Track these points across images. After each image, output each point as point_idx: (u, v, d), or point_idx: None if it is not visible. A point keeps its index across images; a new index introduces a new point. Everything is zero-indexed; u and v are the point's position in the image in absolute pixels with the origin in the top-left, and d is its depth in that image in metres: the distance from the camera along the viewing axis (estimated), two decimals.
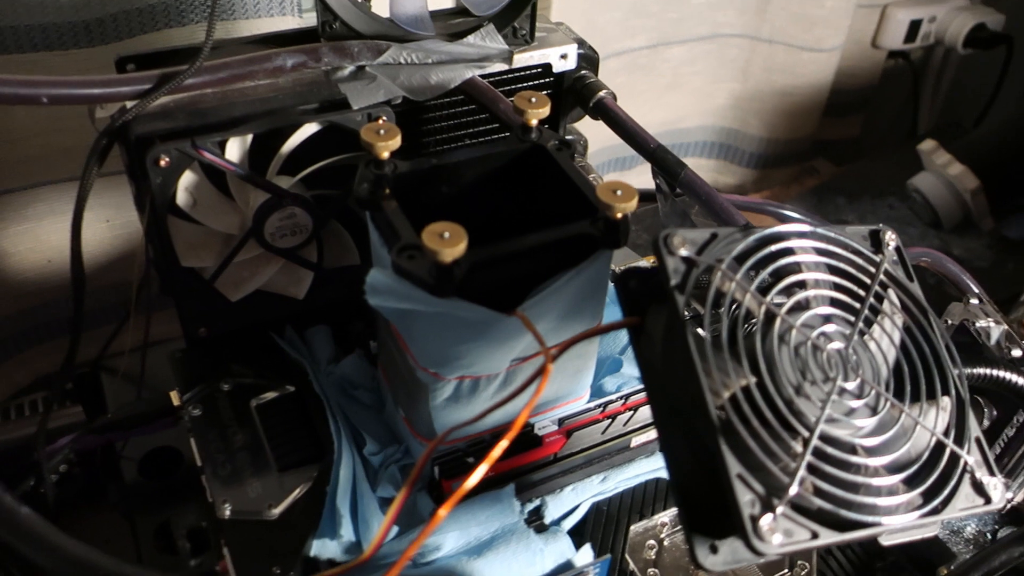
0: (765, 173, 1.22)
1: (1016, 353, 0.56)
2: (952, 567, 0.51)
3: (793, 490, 0.34)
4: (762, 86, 1.14)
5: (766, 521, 0.33)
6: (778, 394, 0.36)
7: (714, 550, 0.36)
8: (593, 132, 0.69)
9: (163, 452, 0.58)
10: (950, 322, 0.59)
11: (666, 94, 1.13)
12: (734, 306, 0.37)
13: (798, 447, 0.35)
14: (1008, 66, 1.20)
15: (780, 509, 0.34)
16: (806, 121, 1.18)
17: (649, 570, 0.51)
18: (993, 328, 0.57)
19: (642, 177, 0.68)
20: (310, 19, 0.87)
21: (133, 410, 0.56)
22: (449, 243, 0.39)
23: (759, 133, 1.18)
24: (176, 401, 0.55)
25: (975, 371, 0.47)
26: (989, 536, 0.58)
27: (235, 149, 0.50)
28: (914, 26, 1.17)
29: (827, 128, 1.24)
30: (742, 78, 1.14)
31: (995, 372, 0.46)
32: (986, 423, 0.56)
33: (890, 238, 0.42)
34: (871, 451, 0.37)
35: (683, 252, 0.37)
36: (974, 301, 0.60)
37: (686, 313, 0.36)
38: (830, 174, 1.20)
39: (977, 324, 0.58)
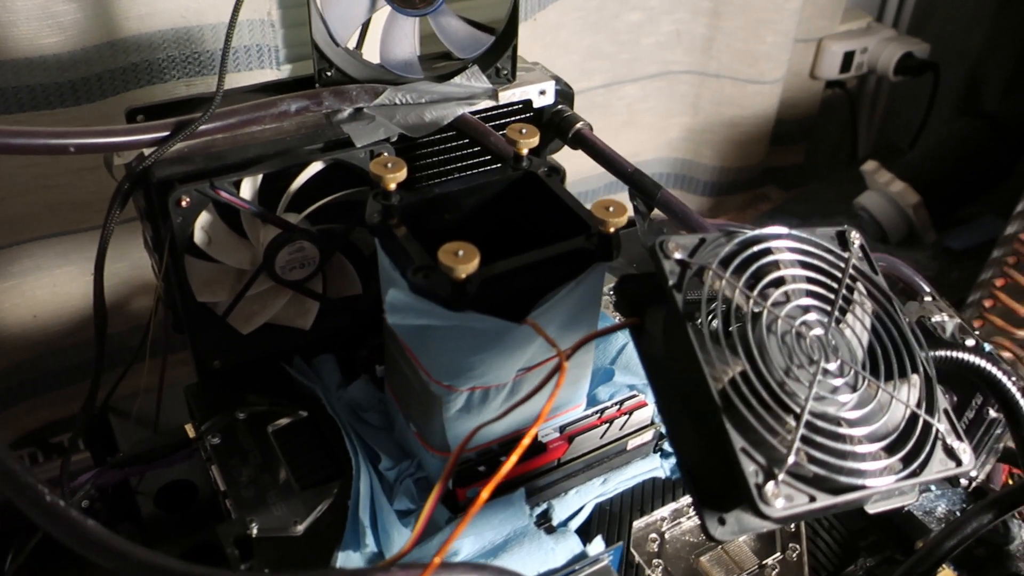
0: (720, 200, 1.28)
1: (970, 343, 0.61)
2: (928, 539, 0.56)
3: (791, 459, 0.38)
4: (712, 118, 1.21)
5: (770, 488, 0.37)
6: (771, 376, 0.40)
7: (722, 522, 0.40)
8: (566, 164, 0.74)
9: (178, 485, 0.60)
10: (908, 319, 0.65)
11: (623, 130, 1.20)
12: (725, 302, 0.42)
13: (792, 422, 0.39)
14: (936, 90, 1.29)
15: (781, 476, 0.38)
16: (755, 150, 1.25)
17: (653, 561, 0.55)
18: (947, 322, 0.63)
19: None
20: (286, 71, 0.91)
21: (150, 444, 0.58)
22: (463, 260, 0.43)
23: (712, 163, 1.25)
24: (192, 433, 0.58)
25: (937, 354, 0.52)
26: (959, 514, 0.63)
27: (248, 188, 0.53)
28: (848, 57, 1.25)
29: (774, 156, 1.31)
30: (693, 112, 1.21)
31: (955, 354, 0.51)
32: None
33: (855, 237, 0.47)
34: (854, 423, 0.41)
35: (677, 255, 0.42)
36: (927, 299, 0.65)
37: (692, 309, 0.40)
38: (780, 198, 1.27)
39: (932, 319, 0.63)
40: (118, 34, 0.79)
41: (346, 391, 0.59)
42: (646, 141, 1.23)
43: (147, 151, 0.51)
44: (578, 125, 0.63)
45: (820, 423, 0.40)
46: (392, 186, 0.49)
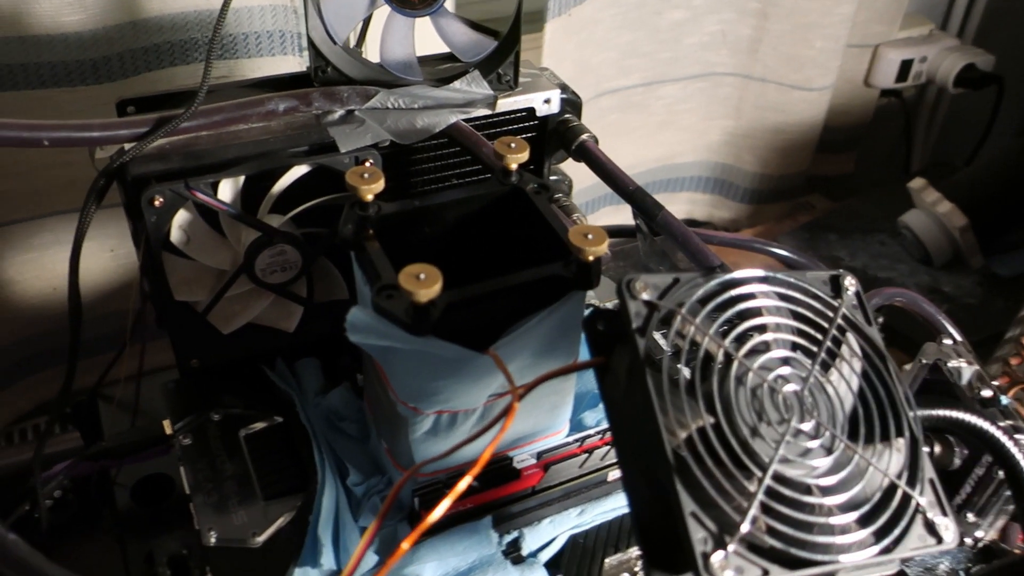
0: (759, 208, 1.24)
1: (986, 393, 0.57)
2: None
3: (745, 528, 0.35)
4: (755, 123, 1.16)
5: (717, 558, 0.35)
6: (733, 435, 0.37)
7: None
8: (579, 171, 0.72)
9: (155, 479, 0.60)
10: (924, 361, 0.61)
11: (660, 131, 1.16)
12: (693, 349, 0.39)
13: (752, 487, 0.36)
14: (999, 106, 1.22)
15: (732, 547, 0.35)
16: (799, 158, 1.20)
17: None
18: (965, 368, 0.59)
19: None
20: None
21: (127, 438, 0.58)
22: (424, 284, 0.41)
23: (753, 169, 1.20)
24: (168, 430, 0.57)
25: (937, 413, 0.49)
26: (962, 574, 0.59)
27: (228, 189, 0.52)
28: (905, 66, 1.19)
29: (821, 164, 1.26)
30: (735, 115, 1.17)
31: (955, 414, 0.47)
32: (957, 462, 0.57)
33: (849, 283, 0.43)
34: (825, 491, 0.38)
35: (645, 296, 0.39)
36: (947, 341, 0.61)
37: (657, 354, 0.38)
38: (825, 209, 1.22)
39: (949, 364, 0.59)
40: (140, 14, 0.79)
41: (325, 398, 0.58)
42: (684, 143, 1.19)
43: (127, 146, 0.50)
44: (583, 137, 0.60)
45: (784, 489, 0.37)
46: (368, 197, 0.48)
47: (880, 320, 0.90)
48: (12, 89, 0.77)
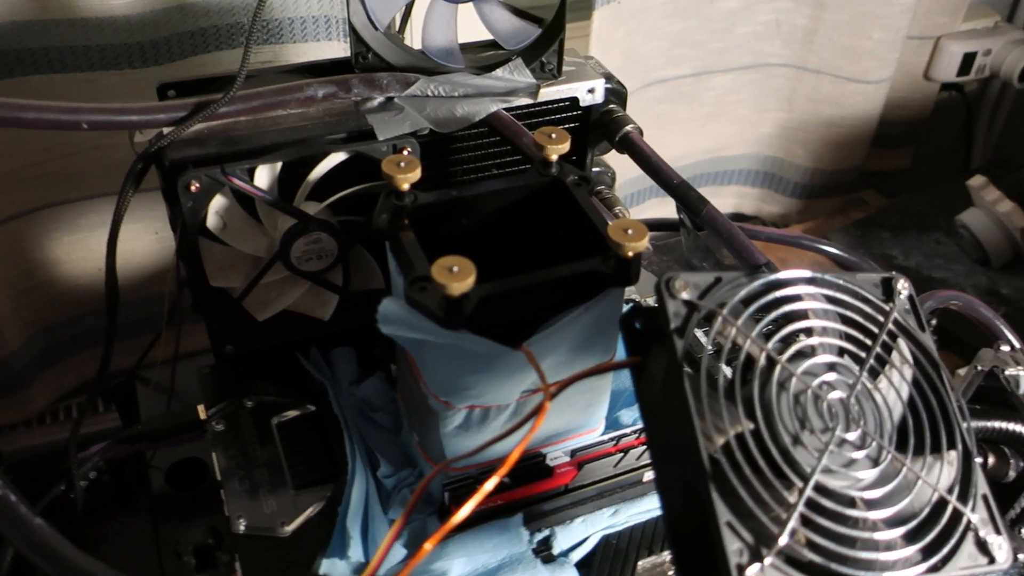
0: (810, 203, 1.20)
1: None
2: None
3: (783, 540, 0.34)
4: (808, 116, 1.13)
5: (753, 571, 0.33)
6: (773, 442, 0.36)
7: None
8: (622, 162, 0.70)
9: (190, 463, 0.60)
10: (979, 368, 0.58)
11: (710, 122, 1.13)
12: (734, 351, 0.37)
13: (792, 497, 0.35)
14: None
15: (768, 560, 0.33)
16: (853, 152, 1.16)
17: None
18: (1023, 377, 0.56)
19: None
20: None
21: (162, 422, 0.58)
22: (457, 277, 0.40)
23: (805, 163, 1.17)
24: (202, 415, 0.57)
25: (992, 424, 0.46)
26: None
27: (265, 175, 0.52)
28: (968, 59, 1.14)
29: (877, 159, 1.22)
30: (787, 107, 1.13)
31: (1011, 426, 0.45)
32: (1012, 474, 0.55)
33: (902, 286, 0.41)
34: (870, 504, 0.37)
35: (684, 296, 0.38)
36: (1005, 348, 0.59)
37: (697, 354, 0.36)
38: (879, 206, 1.19)
39: (1007, 372, 0.57)
40: None
41: (358, 388, 0.57)
42: (734, 135, 1.16)
43: (166, 130, 0.50)
44: (627, 128, 0.58)
45: (825, 501, 0.35)
46: (404, 186, 0.47)
47: (933, 323, 0.87)
48: (61, 71, 0.78)
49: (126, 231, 0.88)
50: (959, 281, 1.00)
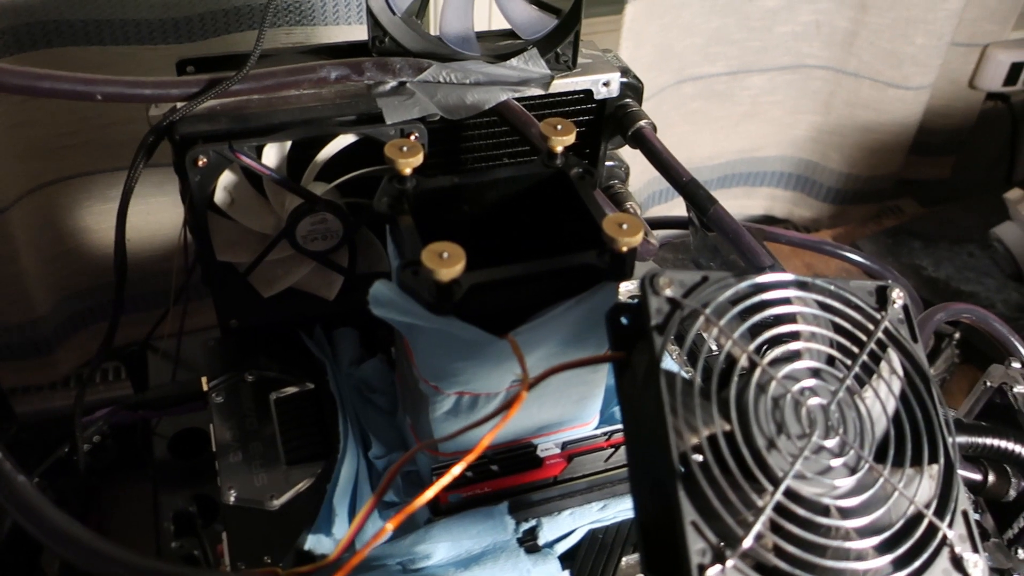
0: (843, 209, 1.18)
1: None
2: None
3: (747, 543, 0.33)
4: (844, 120, 1.11)
5: (714, 572, 0.33)
6: (747, 445, 0.35)
7: None
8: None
9: (193, 432, 0.61)
10: (988, 384, 0.57)
11: (744, 122, 1.12)
12: (714, 352, 0.37)
13: (761, 501, 0.35)
14: None
15: (731, 562, 0.33)
16: (890, 159, 1.14)
17: None
18: None
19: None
20: None
21: (165, 391, 0.59)
22: (447, 263, 0.40)
23: (839, 168, 1.15)
24: (205, 387, 0.58)
25: (985, 441, 0.45)
26: None
27: (273, 154, 0.52)
28: (1016, 68, 1.11)
29: (915, 167, 1.20)
30: (824, 111, 1.12)
31: (1003, 444, 0.44)
32: (1012, 494, 0.53)
33: (897, 295, 0.41)
34: (845, 512, 0.36)
35: (668, 293, 0.37)
36: (1016, 364, 0.57)
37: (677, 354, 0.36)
38: (915, 214, 1.16)
39: (1015, 389, 0.55)
40: None
41: (359, 368, 0.58)
42: (768, 136, 1.14)
43: (179, 105, 0.51)
44: (640, 123, 0.58)
45: (796, 507, 0.35)
46: (406, 171, 0.47)
47: (956, 336, 0.85)
48: (99, 44, 0.79)
49: (154, 204, 0.91)
50: (989, 295, 0.98)
